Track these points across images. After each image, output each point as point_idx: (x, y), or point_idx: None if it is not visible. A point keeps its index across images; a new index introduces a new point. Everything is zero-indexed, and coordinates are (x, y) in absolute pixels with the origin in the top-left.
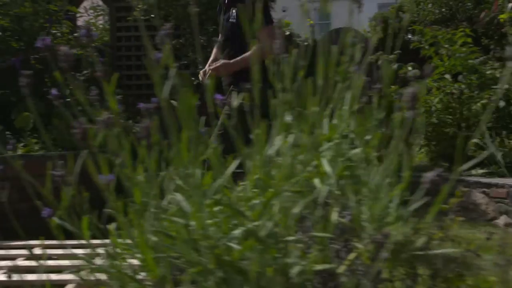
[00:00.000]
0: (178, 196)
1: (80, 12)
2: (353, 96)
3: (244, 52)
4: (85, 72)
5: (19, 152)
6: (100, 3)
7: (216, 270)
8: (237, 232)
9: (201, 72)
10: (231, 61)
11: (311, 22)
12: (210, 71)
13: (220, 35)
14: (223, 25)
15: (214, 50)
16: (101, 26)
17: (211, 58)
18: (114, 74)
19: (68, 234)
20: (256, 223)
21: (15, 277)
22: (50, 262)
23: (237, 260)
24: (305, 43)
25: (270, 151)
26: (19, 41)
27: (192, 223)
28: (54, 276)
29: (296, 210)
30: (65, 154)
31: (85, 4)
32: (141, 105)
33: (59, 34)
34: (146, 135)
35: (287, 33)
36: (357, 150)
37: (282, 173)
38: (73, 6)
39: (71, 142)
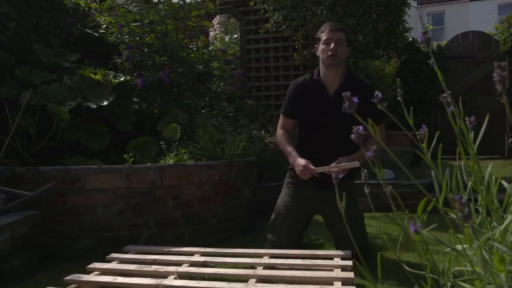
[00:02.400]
0: None
1: (211, 26)
2: None
3: (352, 143)
4: (221, 84)
5: (171, 161)
6: (224, 18)
7: None
8: None
9: (302, 168)
10: (354, 157)
11: (431, 27)
12: (333, 170)
13: (310, 121)
14: (328, 113)
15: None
16: (226, 40)
17: (302, 162)
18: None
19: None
20: None
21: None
22: (211, 270)
23: None
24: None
25: None
26: (162, 56)
27: None
28: (225, 285)
29: None
30: (216, 164)
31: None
32: None
33: (194, 48)
34: None
35: (409, 39)
36: None
37: None
38: (207, 21)
39: (215, 152)
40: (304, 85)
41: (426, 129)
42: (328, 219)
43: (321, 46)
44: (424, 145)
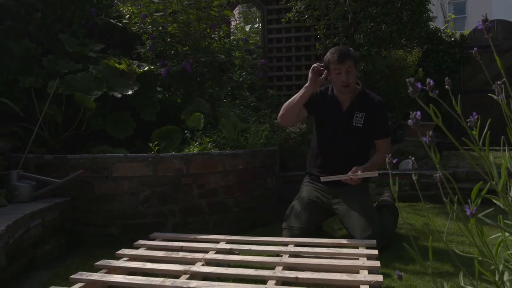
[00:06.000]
0: None
1: (233, 16)
2: None
3: (364, 155)
4: (243, 73)
5: (195, 150)
6: (245, 8)
7: None
8: None
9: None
10: (367, 166)
11: (453, 16)
12: (350, 180)
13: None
14: (341, 127)
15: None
16: (247, 29)
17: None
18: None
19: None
20: None
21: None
22: (237, 257)
23: None
24: (452, 39)
25: None
26: (184, 46)
27: None
28: (253, 272)
29: None
30: (240, 153)
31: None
32: None
33: (216, 38)
34: None
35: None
36: None
37: None
38: (229, 11)
39: (238, 141)
40: (324, 95)
41: (476, 116)
42: (341, 211)
43: (333, 74)
44: (474, 132)
